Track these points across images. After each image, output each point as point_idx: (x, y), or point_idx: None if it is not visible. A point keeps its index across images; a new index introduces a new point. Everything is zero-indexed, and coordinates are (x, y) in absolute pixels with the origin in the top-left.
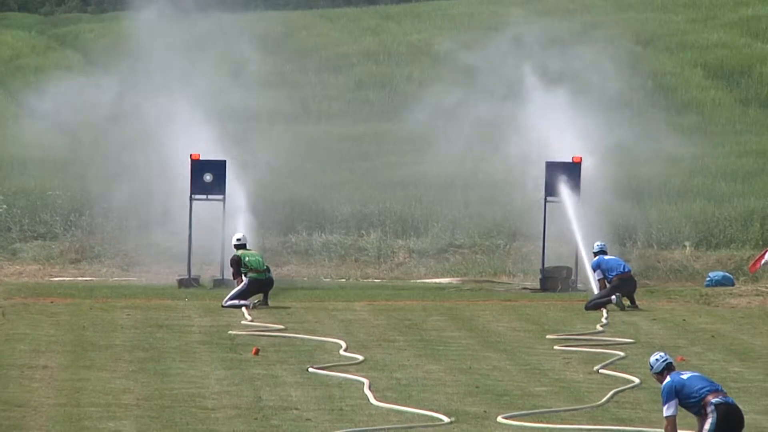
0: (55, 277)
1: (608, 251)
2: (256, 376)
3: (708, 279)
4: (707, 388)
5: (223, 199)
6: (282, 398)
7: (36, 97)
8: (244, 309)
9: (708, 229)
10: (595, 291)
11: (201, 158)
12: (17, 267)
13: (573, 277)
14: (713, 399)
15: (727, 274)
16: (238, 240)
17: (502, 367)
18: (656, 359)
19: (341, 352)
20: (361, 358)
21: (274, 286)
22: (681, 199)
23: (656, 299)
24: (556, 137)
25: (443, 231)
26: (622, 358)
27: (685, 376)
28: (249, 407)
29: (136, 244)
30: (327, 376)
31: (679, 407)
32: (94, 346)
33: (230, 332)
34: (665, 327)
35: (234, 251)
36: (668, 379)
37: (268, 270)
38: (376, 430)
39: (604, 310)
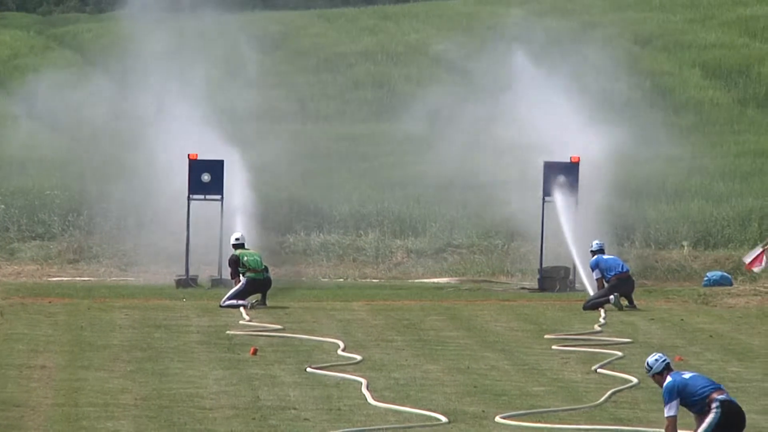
0: (53, 277)
1: (606, 251)
2: (254, 375)
3: (706, 279)
4: (711, 387)
5: (221, 199)
6: (280, 398)
7: (34, 97)
8: (242, 309)
9: (706, 228)
10: (590, 291)
11: (199, 158)
12: (15, 267)
13: (571, 277)
14: (718, 396)
15: (725, 273)
16: (237, 239)
17: (500, 366)
18: (655, 359)
19: (339, 352)
20: (359, 357)
21: (272, 286)
22: (679, 198)
23: (654, 299)
24: (554, 137)
25: (441, 231)
26: (620, 357)
27: (687, 375)
28: (247, 407)
29: (134, 244)
30: (325, 375)
31: (680, 407)
32: (92, 346)
33: (228, 332)
34: (663, 327)
35: (232, 251)
36: (669, 379)
37: (266, 270)
38: (374, 429)
39: (602, 310)
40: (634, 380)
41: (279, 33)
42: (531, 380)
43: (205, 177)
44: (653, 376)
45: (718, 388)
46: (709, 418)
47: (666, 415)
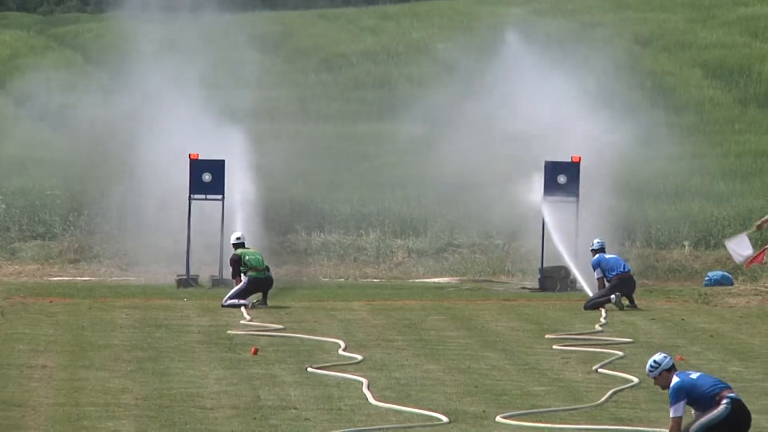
0: (54, 276)
1: (607, 250)
2: (254, 375)
3: (707, 278)
4: (720, 386)
5: (222, 199)
6: (281, 398)
7: (34, 97)
8: (243, 309)
9: (707, 228)
10: (589, 293)
11: (200, 158)
12: (16, 267)
13: (572, 277)
14: (729, 394)
15: (726, 273)
16: (238, 239)
17: (501, 366)
18: (663, 357)
19: (340, 351)
20: (359, 357)
21: (273, 285)
22: (680, 198)
23: (655, 299)
24: (555, 137)
25: (442, 231)
26: (621, 357)
27: (694, 375)
28: (248, 407)
29: (134, 243)
30: (326, 375)
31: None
32: (93, 345)
33: (229, 332)
34: (664, 326)
35: (233, 251)
36: (677, 379)
37: (267, 269)
38: (374, 429)
39: (603, 310)
40: (635, 380)
41: (279, 33)
42: (532, 380)
43: (206, 177)
44: (663, 372)
45: (727, 387)
46: (718, 410)
47: (672, 415)
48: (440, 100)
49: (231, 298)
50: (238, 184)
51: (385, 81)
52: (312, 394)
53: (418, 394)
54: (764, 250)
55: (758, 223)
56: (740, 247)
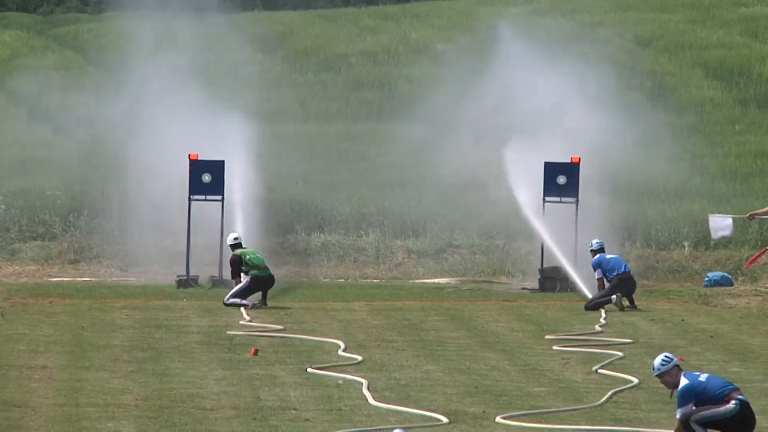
0: (54, 277)
1: (606, 251)
2: (254, 376)
3: (707, 279)
4: (730, 387)
5: (222, 200)
6: (281, 398)
7: (34, 97)
8: (242, 309)
9: (707, 229)
10: (588, 294)
11: (199, 158)
12: (16, 267)
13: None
14: (738, 396)
15: (725, 274)
16: (235, 239)
17: (501, 367)
18: (672, 356)
19: (340, 352)
20: (359, 358)
21: (273, 286)
22: (680, 199)
23: (655, 299)
24: (555, 137)
25: (442, 231)
26: (621, 358)
27: (703, 377)
28: (248, 407)
29: (134, 244)
30: (325, 376)
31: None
32: (93, 346)
33: (229, 332)
34: (664, 327)
35: (230, 252)
36: (687, 381)
37: (267, 268)
38: (374, 430)
39: (603, 311)
40: (635, 381)
41: (279, 33)
42: (532, 381)
43: (206, 177)
44: (672, 368)
45: (736, 389)
46: (726, 407)
47: (679, 417)
48: (440, 100)
49: (233, 296)
50: (238, 184)
51: (384, 81)
52: (312, 395)
53: (418, 395)
54: (765, 250)
55: (753, 212)
56: (719, 225)
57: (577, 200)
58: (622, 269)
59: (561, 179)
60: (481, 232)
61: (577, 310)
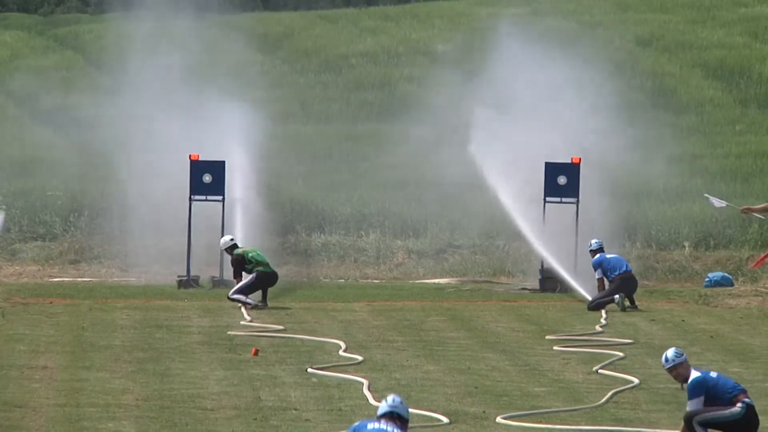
0: (55, 277)
1: (607, 251)
2: (255, 376)
3: (707, 279)
4: (739, 388)
5: (222, 200)
6: (281, 398)
7: (35, 98)
8: (243, 309)
9: (707, 229)
10: (587, 296)
11: (200, 159)
12: (17, 267)
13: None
14: (745, 399)
15: (726, 274)
16: (231, 240)
17: (501, 367)
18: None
19: (340, 352)
20: (360, 358)
21: (273, 286)
22: (680, 199)
23: (655, 300)
24: (554, 138)
25: (442, 231)
26: (622, 358)
27: (714, 374)
28: (248, 408)
29: (135, 244)
30: (326, 376)
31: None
32: (94, 346)
33: (229, 333)
34: (664, 327)
35: (229, 254)
36: (698, 374)
37: (269, 265)
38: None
39: (603, 311)
40: (636, 381)
41: (280, 34)
42: (532, 381)
43: (207, 178)
44: (684, 361)
45: (743, 391)
46: (732, 410)
47: (689, 409)
48: (440, 101)
49: (238, 291)
50: (239, 184)
51: (385, 82)
52: (312, 395)
53: (419, 395)
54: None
55: (748, 207)
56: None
57: (578, 201)
58: (624, 269)
59: (561, 179)
60: (481, 232)
61: (577, 310)
